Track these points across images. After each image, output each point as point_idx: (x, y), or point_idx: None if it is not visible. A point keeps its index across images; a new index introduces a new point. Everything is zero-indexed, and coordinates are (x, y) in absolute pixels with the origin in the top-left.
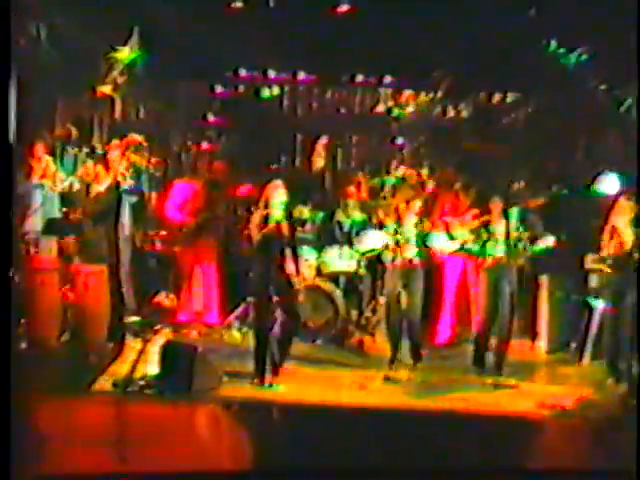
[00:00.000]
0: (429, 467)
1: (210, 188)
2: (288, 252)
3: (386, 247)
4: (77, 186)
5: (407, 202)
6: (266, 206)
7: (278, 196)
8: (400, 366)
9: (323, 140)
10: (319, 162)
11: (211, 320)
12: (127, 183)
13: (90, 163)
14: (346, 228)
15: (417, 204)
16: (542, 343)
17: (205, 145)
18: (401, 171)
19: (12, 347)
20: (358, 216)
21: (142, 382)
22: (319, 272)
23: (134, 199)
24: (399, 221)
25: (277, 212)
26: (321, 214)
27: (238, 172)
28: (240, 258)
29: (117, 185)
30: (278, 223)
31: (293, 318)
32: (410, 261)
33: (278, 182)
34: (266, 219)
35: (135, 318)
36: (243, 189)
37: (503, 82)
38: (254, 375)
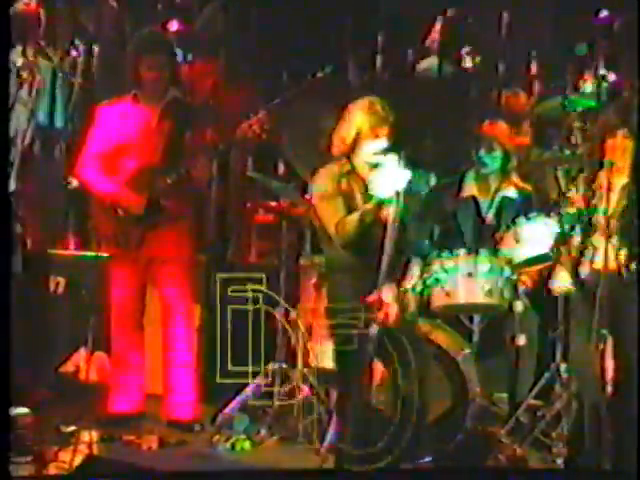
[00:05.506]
0: None
1: (178, 119)
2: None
3: (580, 253)
4: None
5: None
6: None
7: (371, 132)
8: None
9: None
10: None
11: (183, 413)
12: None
13: None
14: (489, 213)
15: None
16: None
17: (174, 25)
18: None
19: None
20: (509, 187)
21: None
22: (425, 305)
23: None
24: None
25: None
26: (430, 180)
27: (245, 82)
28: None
29: None
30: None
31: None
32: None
33: (366, 101)
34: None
35: (23, 410)
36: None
37: None
38: None
